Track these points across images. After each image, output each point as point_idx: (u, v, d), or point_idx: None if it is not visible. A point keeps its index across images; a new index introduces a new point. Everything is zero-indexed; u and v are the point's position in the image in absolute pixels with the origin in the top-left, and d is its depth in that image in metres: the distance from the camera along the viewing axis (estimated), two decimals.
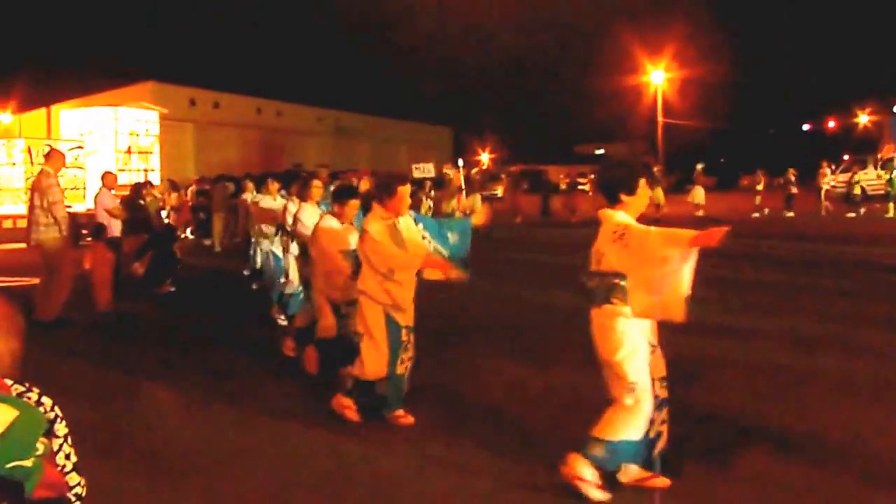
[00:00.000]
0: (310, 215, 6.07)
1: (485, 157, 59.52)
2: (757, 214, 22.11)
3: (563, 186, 29.83)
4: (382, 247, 4.39)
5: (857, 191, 22.65)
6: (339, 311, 5.36)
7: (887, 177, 22.08)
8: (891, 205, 20.89)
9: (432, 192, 22.18)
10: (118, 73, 37.38)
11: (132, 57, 45.68)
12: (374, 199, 4.61)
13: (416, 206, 20.69)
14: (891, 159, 26.21)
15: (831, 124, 55.54)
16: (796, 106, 68.29)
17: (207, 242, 17.40)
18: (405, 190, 4.56)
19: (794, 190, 22.38)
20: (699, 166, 24.41)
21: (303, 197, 6.41)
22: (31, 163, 17.94)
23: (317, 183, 6.42)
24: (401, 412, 4.58)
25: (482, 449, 4.14)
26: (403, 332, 4.52)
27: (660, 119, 38.69)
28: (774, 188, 25.14)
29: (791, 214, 21.52)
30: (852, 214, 21.19)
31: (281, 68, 58.87)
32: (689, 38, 45.94)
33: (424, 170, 21.71)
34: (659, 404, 3.47)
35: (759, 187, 23.44)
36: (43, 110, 35.66)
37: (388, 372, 4.50)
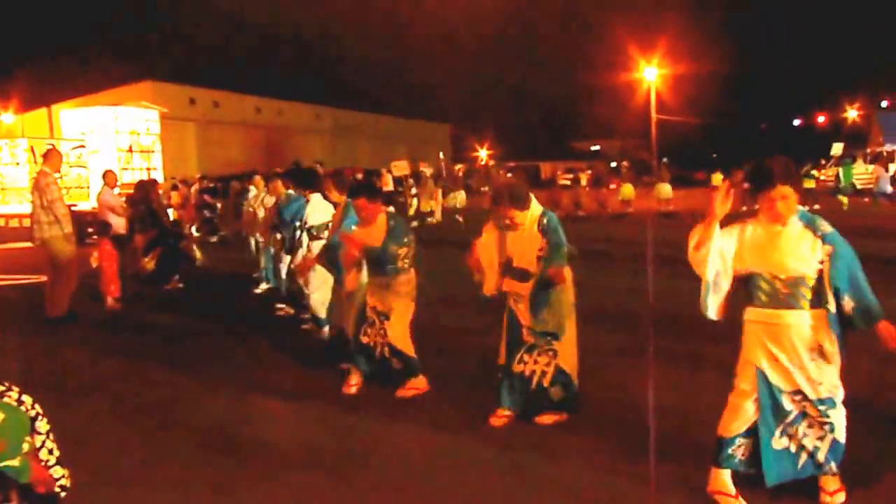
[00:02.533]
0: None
1: (482, 154, 59.77)
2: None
3: (564, 182, 30.33)
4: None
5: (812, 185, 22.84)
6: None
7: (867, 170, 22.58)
8: (842, 198, 21.44)
9: (413, 190, 21.91)
10: (118, 73, 37.62)
11: (132, 57, 45.84)
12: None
13: (403, 206, 20.68)
14: (843, 157, 27.09)
15: (821, 119, 55.50)
16: (788, 101, 68.52)
17: (213, 239, 17.65)
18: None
19: (747, 185, 22.59)
20: (663, 161, 24.51)
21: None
22: (35, 162, 18.22)
23: None
24: (503, 412, 4.32)
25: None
26: (524, 331, 4.31)
27: (653, 115, 38.93)
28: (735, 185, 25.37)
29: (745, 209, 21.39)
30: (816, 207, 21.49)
31: (279, 67, 59.01)
32: (681, 35, 46.22)
33: (402, 167, 21.40)
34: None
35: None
36: (44, 110, 35.91)
37: (504, 363, 4.38)
